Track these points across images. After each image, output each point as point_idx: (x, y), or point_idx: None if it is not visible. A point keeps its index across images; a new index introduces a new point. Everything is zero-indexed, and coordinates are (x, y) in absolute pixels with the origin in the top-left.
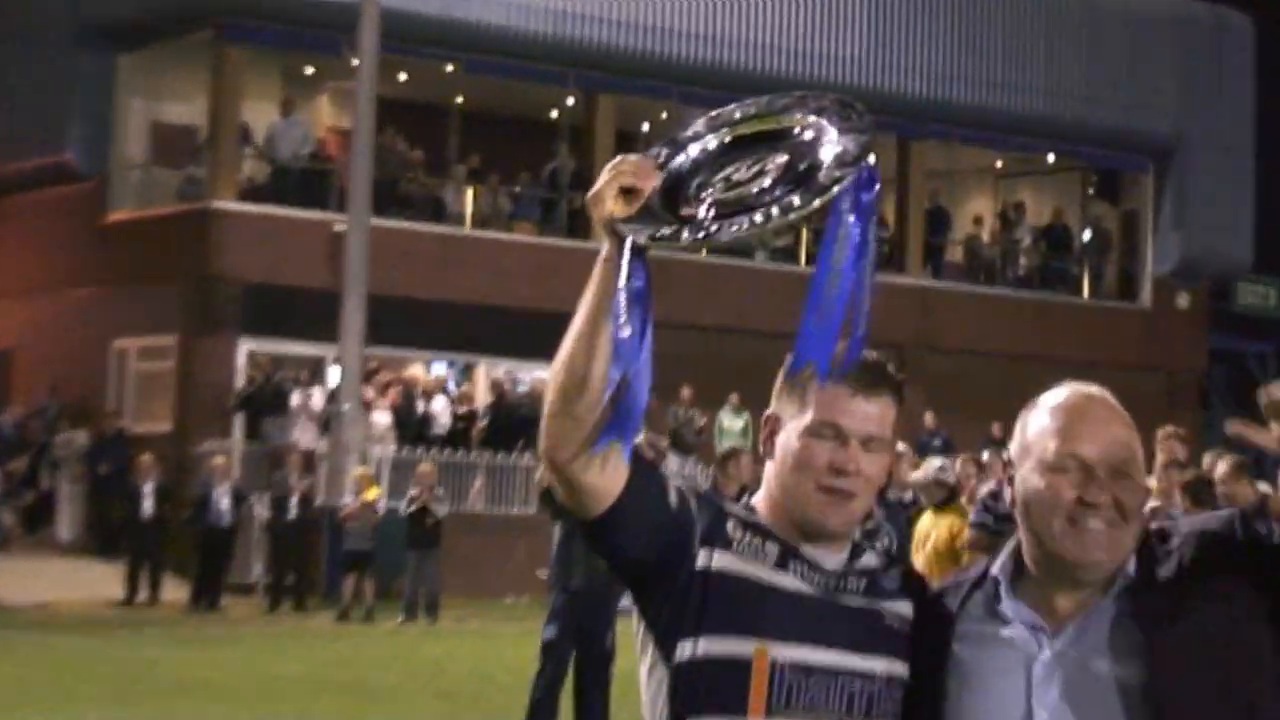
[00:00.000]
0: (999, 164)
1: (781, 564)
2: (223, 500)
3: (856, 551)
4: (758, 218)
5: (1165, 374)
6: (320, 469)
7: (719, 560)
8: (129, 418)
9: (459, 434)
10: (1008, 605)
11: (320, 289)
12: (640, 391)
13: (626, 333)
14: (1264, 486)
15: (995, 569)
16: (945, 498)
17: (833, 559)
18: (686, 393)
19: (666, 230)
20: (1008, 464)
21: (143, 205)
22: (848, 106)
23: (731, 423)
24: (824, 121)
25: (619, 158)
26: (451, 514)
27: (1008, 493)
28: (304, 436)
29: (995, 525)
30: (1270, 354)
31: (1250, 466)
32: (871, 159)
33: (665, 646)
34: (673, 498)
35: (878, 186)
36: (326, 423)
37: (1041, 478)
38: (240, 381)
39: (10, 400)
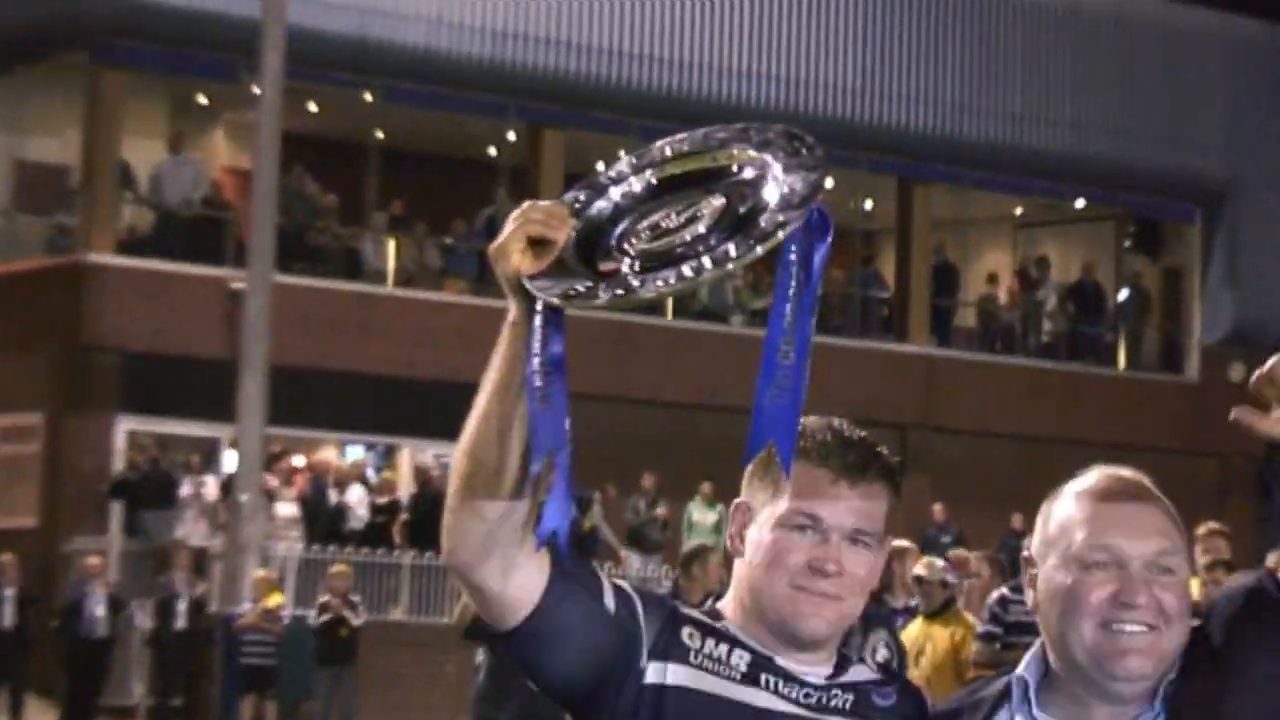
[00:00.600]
0: (1018, 211)
1: (751, 677)
2: (97, 607)
3: (843, 663)
4: (687, 270)
5: (1216, 459)
6: (213, 570)
7: (674, 675)
8: None
9: (378, 530)
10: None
11: (214, 358)
12: (564, 479)
13: (545, 409)
14: None
15: (1022, 671)
16: (945, 603)
17: (814, 671)
18: (649, 481)
19: (581, 287)
20: (1029, 562)
21: (3, 259)
22: (795, 139)
23: (702, 517)
24: (767, 157)
25: (526, 204)
26: (369, 624)
27: (1029, 595)
28: (194, 532)
29: (1006, 637)
30: None
31: None
32: (820, 200)
33: None
34: (610, 601)
35: (829, 233)
36: (221, 516)
37: (1069, 575)
38: (119, 466)
39: None
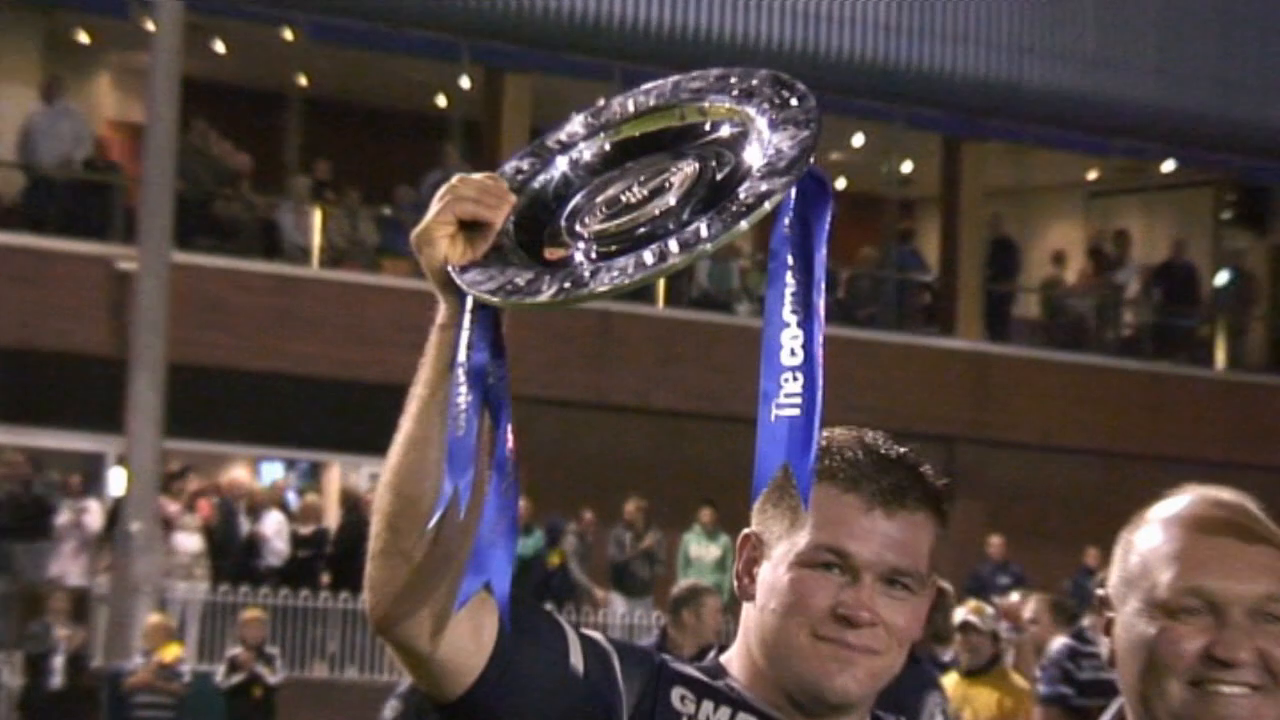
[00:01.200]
0: (1092, 175)
1: None
2: None
3: None
4: (648, 257)
5: None
6: (97, 616)
7: None
8: None
9: (301, 566)
10: None
11: (98, 355)
12: (507, 512)
13: (461, 430)
14: None
15: None
16: (991, 659)
17: None
18: (634, 507)
19: (522, 280)
20: (1104, 603)
21: None
22: (783, 86)
23: (702, 550)
24: (750, 110)
25: (456, 177)
26: (289, 681)
27: (1104, 645)
28: (73, 569)
29: (1078, 698)
30: None
31: None
32: (812, 160)
33: None
34: (577, 660)
35: (829, 203)
36: (106, 550)
37: (1153, 623)
38: None
39: None
